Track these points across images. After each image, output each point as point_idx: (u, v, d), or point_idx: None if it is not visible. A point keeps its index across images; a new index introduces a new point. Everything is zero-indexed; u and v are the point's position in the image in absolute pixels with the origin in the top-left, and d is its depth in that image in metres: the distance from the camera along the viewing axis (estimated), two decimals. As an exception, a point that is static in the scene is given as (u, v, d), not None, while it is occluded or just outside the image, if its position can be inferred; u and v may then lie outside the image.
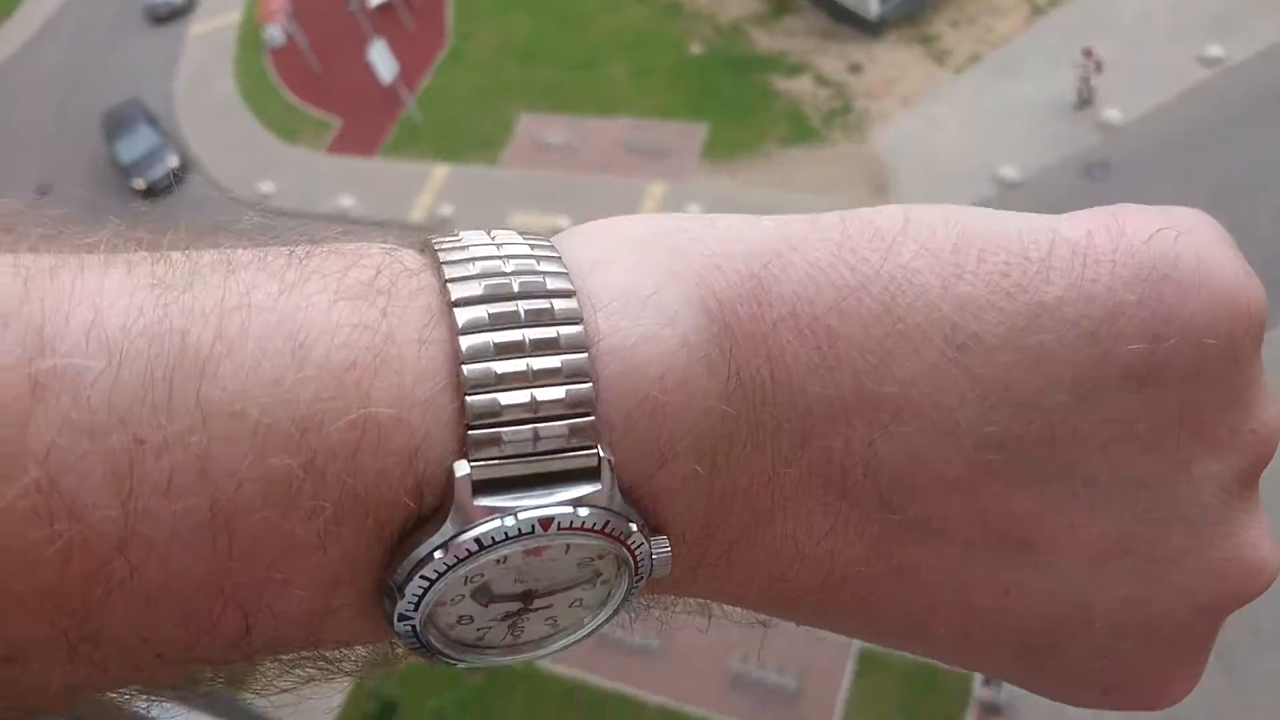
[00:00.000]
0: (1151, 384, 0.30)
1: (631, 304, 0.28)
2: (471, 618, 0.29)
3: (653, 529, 0.29)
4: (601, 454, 0.27)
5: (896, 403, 0.29)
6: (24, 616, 0.23)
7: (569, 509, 0.27)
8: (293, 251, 0.27)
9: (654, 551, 0.29)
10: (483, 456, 0.26)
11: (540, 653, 0.31)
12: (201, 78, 14.49)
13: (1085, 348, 0.29)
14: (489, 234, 0.30)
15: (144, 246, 0.27)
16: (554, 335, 0.27)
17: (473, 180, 12.04)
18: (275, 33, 14.51)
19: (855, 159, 10.74)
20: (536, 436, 0.26)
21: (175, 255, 0.26)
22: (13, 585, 0.22)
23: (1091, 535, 0.32)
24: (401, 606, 0.27)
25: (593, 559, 0.29)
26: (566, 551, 0.28)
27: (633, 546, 0.29)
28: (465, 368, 0.26)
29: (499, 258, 0.28)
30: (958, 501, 0.31)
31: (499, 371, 0.26)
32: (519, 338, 0.27)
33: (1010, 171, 9.89)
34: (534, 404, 0.26)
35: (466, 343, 0.26)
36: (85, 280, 0.24)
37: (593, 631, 0.31)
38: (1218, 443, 0.31)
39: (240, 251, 0.27)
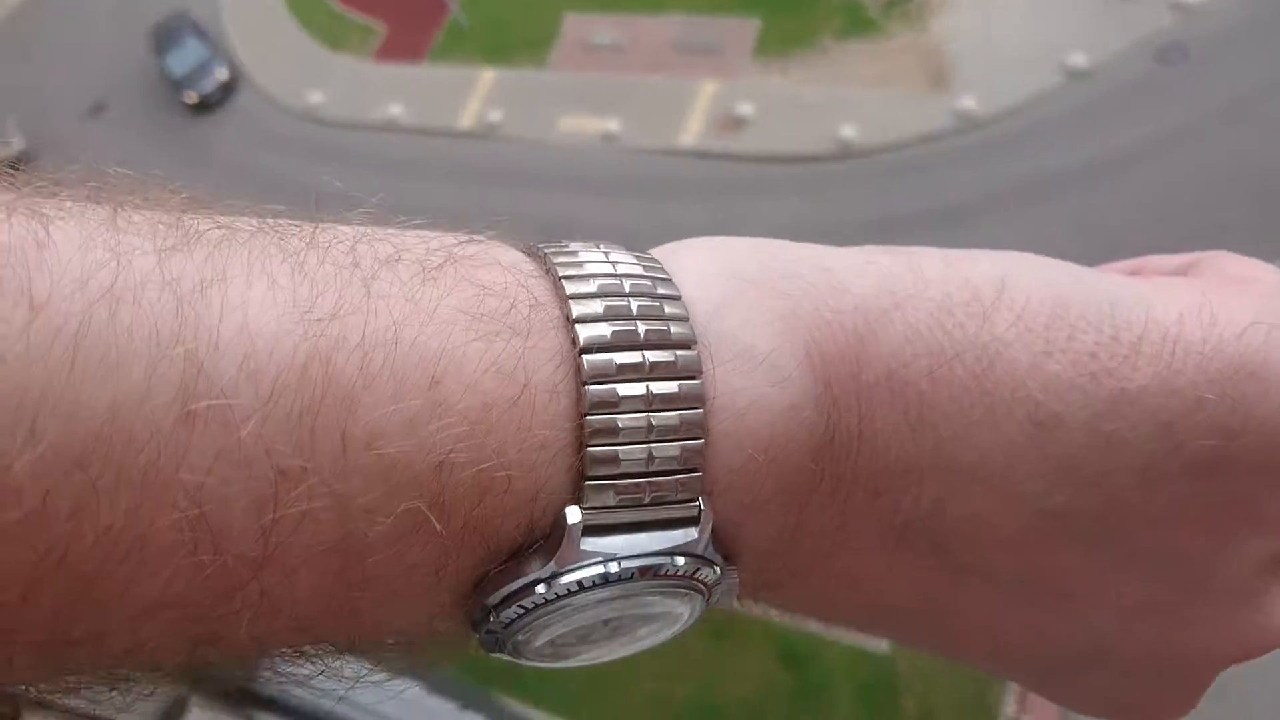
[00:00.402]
0: (1216, 475, 0.31)
1: (748, 362, 0.29)
2: (552, 637, 0.30)
3: (725, 558, 0.30)
4: (703, 507, 0.28)
5: (970, 470, 0.31)
6: (148, 620, 0.24)
7: (667, 559, 0.29)
8: (425, 266, 0.27)
9: (724, 583, 0.31)
10: (596, 505, 0.27)
11: (609, 657, 0.32)
12: (246, -14, 14.36)
13: (1159, 439, 0.30)
14: (607, 256, 0.30)
15: (272, 235, 0.27)
16: (675, 390, 0.28)
17: (521, 84, 11.85)
18: (317, -63, 14.25)
19: (914, 51, 10.31)
20: (649, 489, 0.28)
21: (311, 263, 0.26)
22: (145, 596, 0.23)
23: (1127, 594, 0.33)
24: (492, 624, 0.28)
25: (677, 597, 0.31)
26: (657, 591, 0.30)
27: (710, 584, 0.30)
28: (589, 418, 0.27)
29: (621, 295, 0.28)
30: (1007, 556, 0.32)
31: (621, 425, 0.27)
32: (642, 390, 0.27)
33: (1079, 59, 9.42)
34: (649, 458, 0.27)
35: (592, 393, 0.27)
36: (230, 297, 0.24)
37: (658, 643, 0.33)
38: (1265, 525, 0.33)
39: (374, 263, 0.27)
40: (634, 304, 0.28)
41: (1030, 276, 0.31)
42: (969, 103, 9.46)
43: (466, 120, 11.77)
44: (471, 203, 10.53)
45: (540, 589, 0.27)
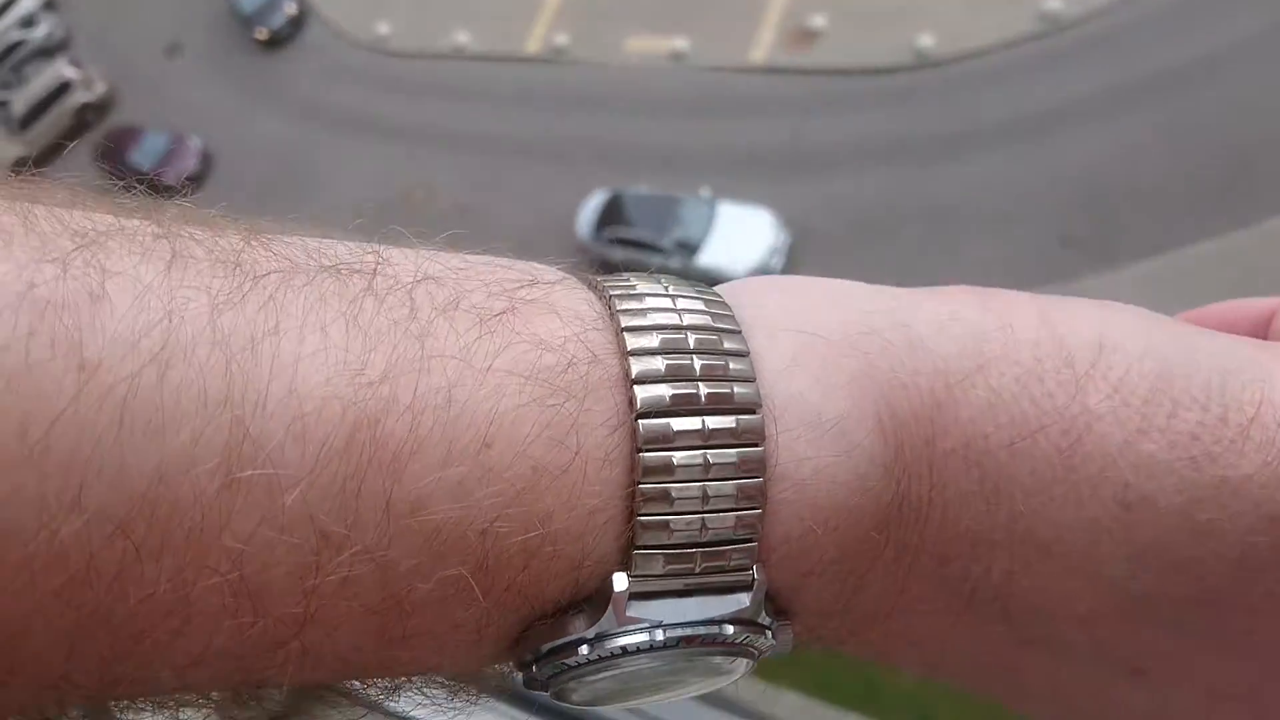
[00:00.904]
0: None
1: (815, 430, 0.27)
2: (595, 693, 0.29)
3: (778, 613, 0.29)
4: (756, 575, 0.27)
5: (1048, 545, 0.29)
6: (196, 670, 0.24)
7: (715, 629, 0.27)
8: (483, 318, 0.26)
9: (777, 639, 0.29)
10: (644, 573, 0.26)
11: (653, 702, 0.31)
12: (309, -83, 14.30)
13: (1262, 532, 0.28)
14: (674, 302, 0.28)
15: (330, 279, 0.26)
16: (734, 459, 0.26)
17: (587, 6, 11.63)
18: None
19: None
20: (698, 561, 0.27)
21: (367, 312, 0.25)
22: (190, 650, 0.24)
23: (1211, 678, 0.31)
24: (534, 675, 0.28)
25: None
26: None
27: (761, 647, 0.29)
28: (641, 485, 0.26)
29: (688, 352, 0.27)
30: (1082, 632, 0.30)
31: (675, 494, 0.26)
32: (700, 459, 0.26)
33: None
34: (703, 528, 0.26)
35: (646, 460, 0.26)
36: (281, 354, 0.23)
37: (704, 691, 0.31)
38: None
39: (430, 313, 0.26)
40: (698, 362, 0.27)
41: (1133, 342, 0.29)
42: (1054, 3, 8.98)
43: (533, 45, 11.64)
44: (540, 129, 10.47)
45: (584, 649, 0.26)
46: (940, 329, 0.29)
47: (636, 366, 0.26)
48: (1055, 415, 0.28)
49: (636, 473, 0.26)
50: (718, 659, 0.29)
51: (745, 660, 0.29)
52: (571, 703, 0.29)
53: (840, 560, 0.28)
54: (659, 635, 0.27)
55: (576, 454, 0.25)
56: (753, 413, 0.27)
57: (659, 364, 0.27)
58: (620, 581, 0.26)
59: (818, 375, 0.28)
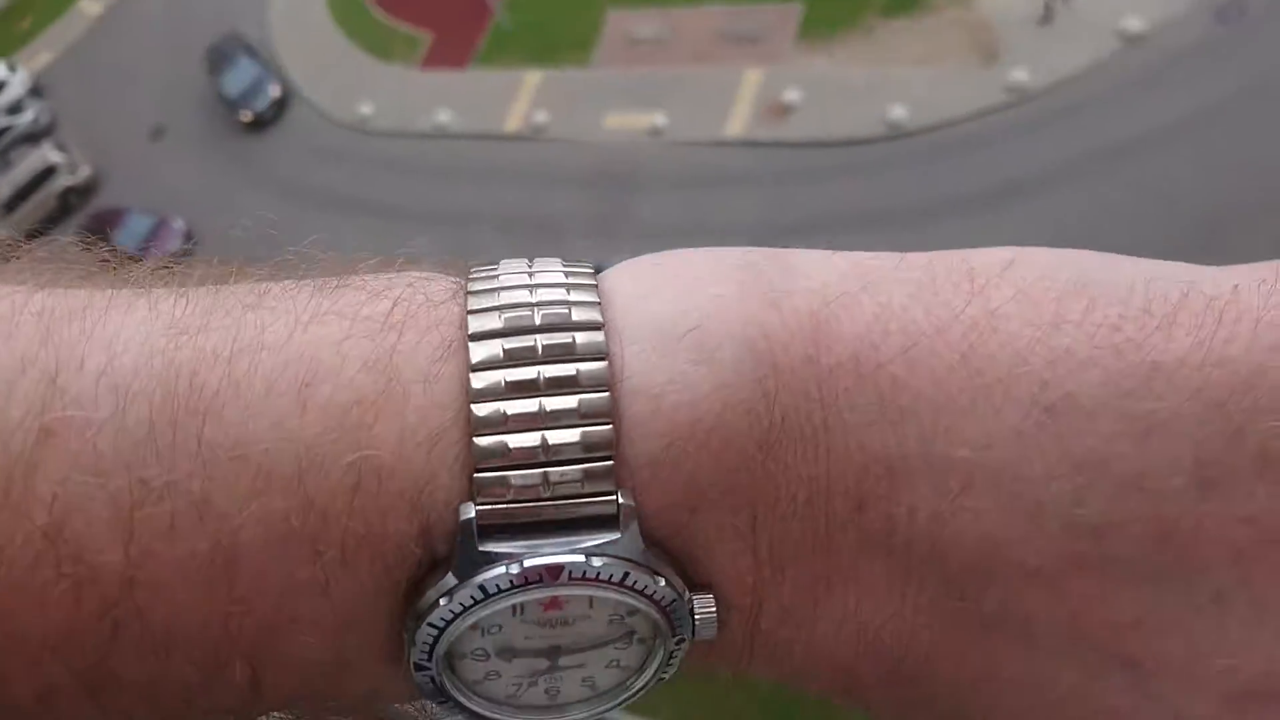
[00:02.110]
0: None
1: (667, 340, 0.26)
2: (498, 673, 0.28)
3: (694, 586, 0.27)
4: (621, 500, 0.25)
5: (968, 469, 0.25)
6: (41, 658, 0.24)
7: (580, 558, 0.26)
8: (320, 286, 0.27)
9: (697, 611, 0.27)
10: (489, 499, 0.25)
11: (584, 715, 0.29)
12: (294, 4, 14.62)
13: (1211, 422, 0.24)
14: (529, 262, 0.29)
15: (176, 280, 0.28)
16: (573, 372, 0.25)
17: (566, 84, 11.89)
18: (359, -50, 14.46)
19: (962, 26, 10.12)
20: (546, 481, 0.25)
21: (201, 291, 0.27)
22: (29, 628, 0.23)
23: (1225, 667, 0.26)
24: (415, 655, 0.26)
25: (623, 616, 0.27)
26: (591, 606, 0.27)
27: (663, 603, 0.27)
28: (474, 407, 0.25)
29: (527, 286, 0.27)
30: (1042, 598, 0.26)
31: (508, 412, 0.25)
32: (533, 375, 0.25)
33: (1134, 23, 9.16)
34: (545, 446, 0.25)
35: (477, 381, 0.25)
36: (107, 322, 0.25)
37: (637, 694, 0.29)
38: None
39: (269, 286, 0.27)
40: (536, 294, 0.27)
41: (1048, 256, 0.27)
42: (1021, 75, 9.24)
43: (513, 123, 11.84)
44: (521, 204, 10.60)
45: (443, 601, 0.25)
46: (821, 260, 0.28)
47: (472, 303, 0.26)
48: (951, 320, 0.25)
49: (468, 397, 0.25)
50: (628, 617, 0.27)
51: (653, 631, 0.27)
52: (493, 713, 0.28)
53: (728, 494, 0.26)
54: (514, 568, 0.25)
55: (396, 381, 0.25)
56: (594, 329, 0.26)
57: (494, 299, 0.27)
58: (466, 510, 0.25)
59: (673, 298, 0.27)
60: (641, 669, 0.29)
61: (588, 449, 0.25)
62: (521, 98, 12.04)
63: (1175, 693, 0.26)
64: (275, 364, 0.25)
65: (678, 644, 0.28)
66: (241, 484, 0.24)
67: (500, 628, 0.27)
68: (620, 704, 0.30)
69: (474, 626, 0.27)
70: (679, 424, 0.25)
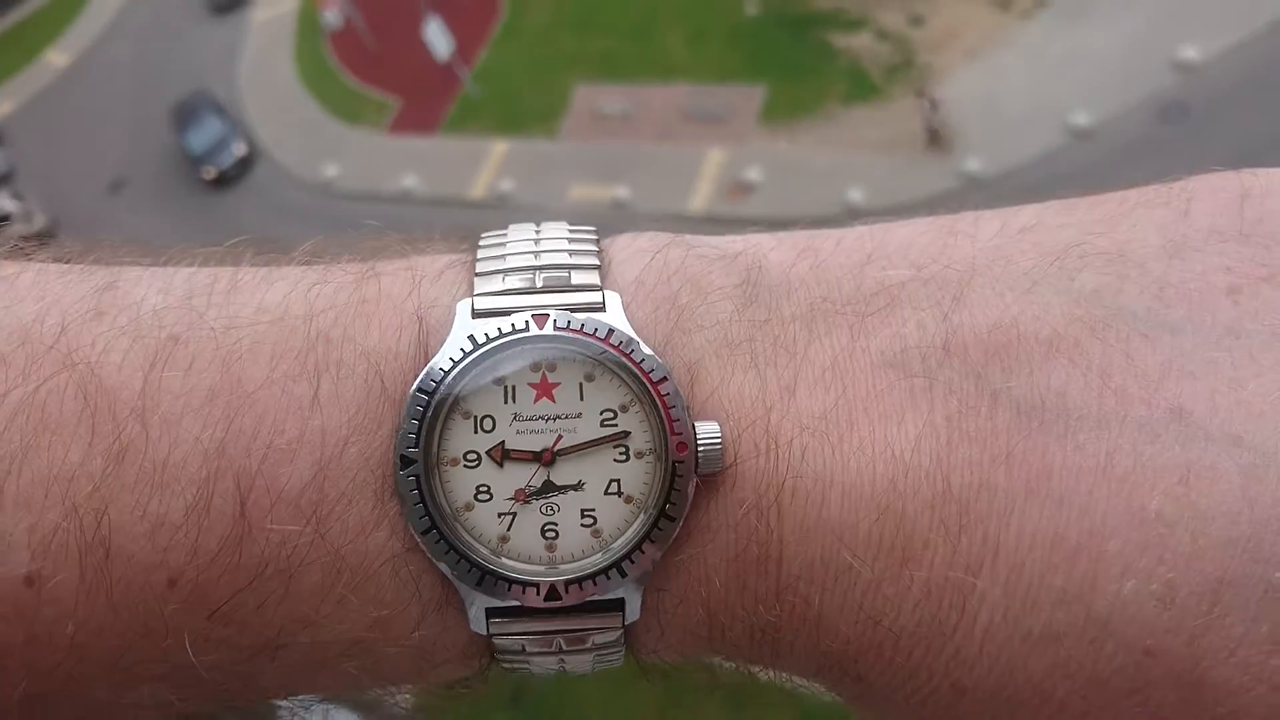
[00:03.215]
0: (1245, 240, 0.30)
1: (638, 244, 0.34)
2: (488, 490, 0.29)
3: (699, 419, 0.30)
4: (606, 291, 0.31)
5: (958, 281, 0.30)
6: (50, 489, 0.27)
7: (565, 313, 0.30)
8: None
9: (700, 436, 0.29)
10: (486, 291, 0.31)
11: (585, 566, 0.29)
12: (264, 64, 14.72)
13: (1161, 211, 0.31)
14: (537, 228, 0.36)
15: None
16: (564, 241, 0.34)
17: (532, 154, 12.05)
18: (333, 16, 14.65)
19: (919, 115, 10.46)
20: (536, 275, 0.32)
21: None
22: (51, 462, 0.27)
23: (1266, 386, 0.27)
24: (402, 447, 0.28)
25: (615, 412, 0.29)
26: (581, 397, 0.29)
27: (651, 374, 0.29)
28: (478, 264, 0.33)
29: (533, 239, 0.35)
30: (1066, 366, 0.28)
31: (507, 268, 0.33)
32: (530, 255, 0.33)
33: (1081, 118, 9.54)
34: (537, 268, 0.32)
35: (480, 254, 0.33)
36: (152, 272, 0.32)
37: (639, 544, 0.29)
38: None
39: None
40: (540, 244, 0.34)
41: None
42: (973, 164, 9.55)
43: (478, 190, 11.94)
44: (484, 270, 10.60)
45: (432, 364, 0.29)
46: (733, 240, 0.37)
47: (480, 254, 0.34)
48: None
49: (472, 270, 0.32)
50: (622, 417, 0.30)
51: (653, 418, 0.30)
52: (490, 559, 0.29)
53: (714, 316, 0.31)
54: (504, 323, 0.30)
55: (411, 270, 0.33)
56: (591, 264, 0.33)
57: (501, 249, 0.34)
58: (463, 304, 0.31)
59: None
60: (644, 502, 0.29)
61: (573, 264, 0.32)
62: (487, 166, 12.16)
63: (1233, 423, 0.27)
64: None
65: (678, 466, 0.29)
66: (263, 333, 0.29)
67: (492, 420, 0.29)
68: (622, 559, 0.29)
69: (465, 415, 0.29)
70: (670, 261, 0.33)
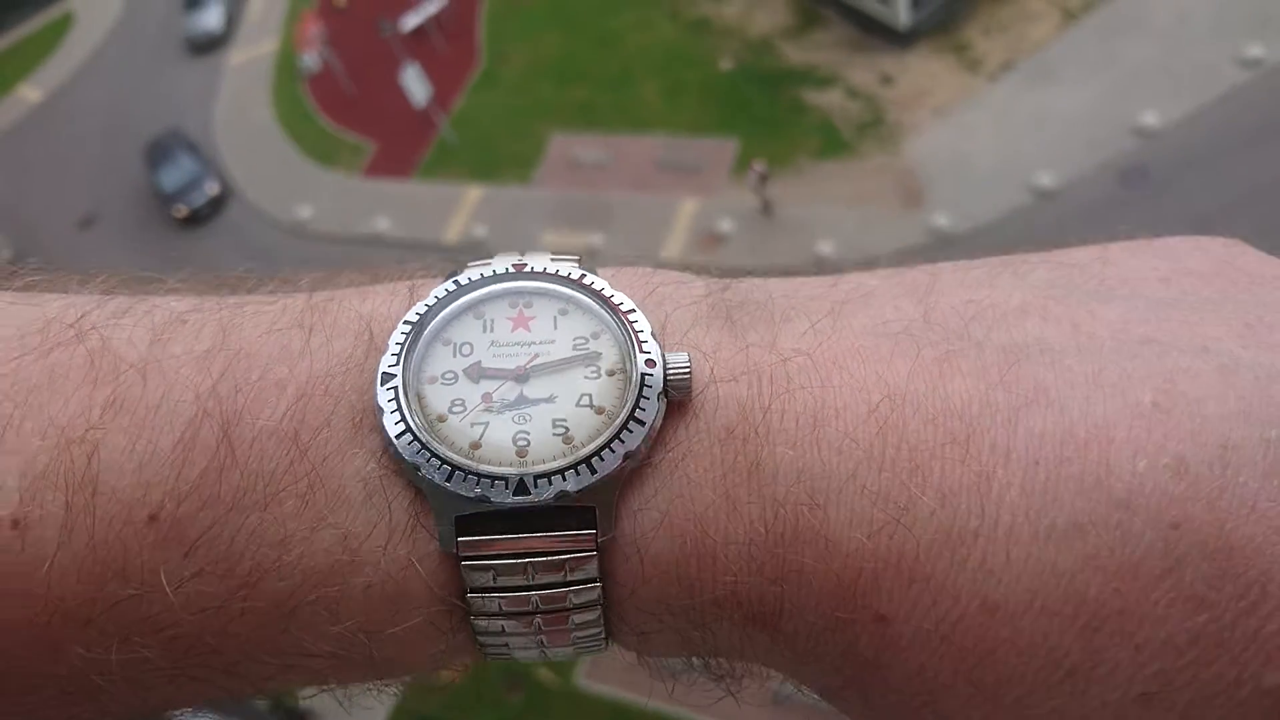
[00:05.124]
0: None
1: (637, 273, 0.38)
2: (463, 403, 0.30)
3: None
4: (585, 273, 0.33)
5: (928, 281, 0.34)
6: (45, 433, 0.29)
7: (543, 261, 0.33)
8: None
9: (671, 364, 0.30)
10: (474, 265, 0.33)
11: (555, 466, 0.30)
12: (240, 106, 14.75)
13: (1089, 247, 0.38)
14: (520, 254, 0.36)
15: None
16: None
17: (506, 200, 12.11)
18: (311, 60, 14.74)
19: (888, 171, 10.66)
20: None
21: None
22: (52, 415, 0.29)
23: (1216, 326, 0.31)
24: (385, 363, 0.30)
25: (587, 339, 0.31)
26: (555, 326, 0.31)
27: (622, 308, 0.31)
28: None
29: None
30: (1039, 323, 0.31)
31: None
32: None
33: (1045, 179, 9.77)
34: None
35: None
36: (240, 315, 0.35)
37: (608, 444, 0.30)
38: None
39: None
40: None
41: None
42: (941, 220, 9.73)
43: (451, 234, 11.96)
44: (455, 314, 10.57)
45: (414, 304, 0.32)
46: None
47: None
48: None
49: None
50: (593, 342, 0.32)
51: (624, 343, 0.31)
52: (463, 463, 0.30)
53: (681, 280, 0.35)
54: (487, 269, 0.33)
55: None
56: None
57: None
58: (459, 271, 0.35)
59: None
60: (616, 413, 0.30)
61: (556, 260, 0.34)
62: (462, 211, 12.21)
63: (1195, 342, 0.31)
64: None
65: (646, 381, 0.30)
66: (260, 303, 0.33)
67: (471, 346, 0.31)
68: (591, 455, 0.29)
69: (445, 342, 0.31)
70: (647, 270, 0.37)
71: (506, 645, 0.32)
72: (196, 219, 13.05)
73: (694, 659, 0.33)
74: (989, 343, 0.31)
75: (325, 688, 0.32)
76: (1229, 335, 0.31)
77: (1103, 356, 0.30)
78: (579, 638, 0.32)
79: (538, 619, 0.31)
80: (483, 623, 0.31)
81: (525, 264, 0.33)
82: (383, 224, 12.25)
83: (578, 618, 0.31)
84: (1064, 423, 0.29)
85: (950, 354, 0.30)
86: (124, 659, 0.29)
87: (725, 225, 10.78)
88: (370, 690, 0.33)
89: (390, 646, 0.30)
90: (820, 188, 10.84)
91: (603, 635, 0.32)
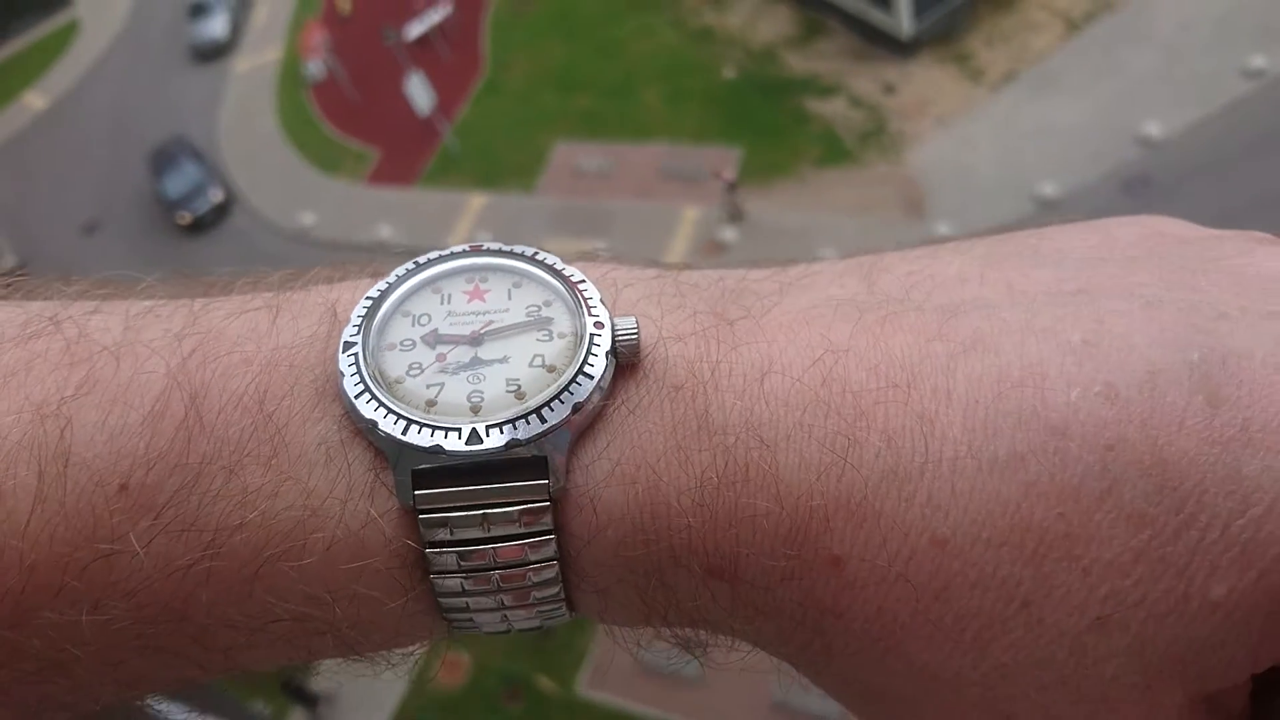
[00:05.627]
0: None
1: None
2: (420, 365, 0.32)
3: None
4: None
5: (871, 262, 0.36)
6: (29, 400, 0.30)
7: (497, 243, 0.35)
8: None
9: (619, 326, 0.32)
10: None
11: (506, 415, 0.32)
12: (244, 113, 14.81)
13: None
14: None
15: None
16: None
17: (509, 208, 12.15)
18: (315, 68, 14.81)
19: (890, 180, 10.69)
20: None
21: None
22: (27, 395, 0.30)
23: (1145, 275, 0.33)
24: (347, 333, 0.32)
25: (539, 307, 0.33)
26: (509, 296, 0.33)
27: (573, 280, 0.34)
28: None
29: None
30: (976, 286, 0.34)
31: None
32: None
33: (1048, 189, 9.79)
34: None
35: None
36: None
37: (557, 395, 0.31)
38: None
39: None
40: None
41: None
42: (943, 229, 9.73)
43: (454, 242, 11.89)
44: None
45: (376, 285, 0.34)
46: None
47: None
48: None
49: None
50: (545, 310, 0.34)
51: (570, 306, 0.34)
52: (416, 414, 0.32)
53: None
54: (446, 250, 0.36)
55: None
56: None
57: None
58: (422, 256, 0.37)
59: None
60: (565, 370, 0.32)
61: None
62: (464, 218, 12.24)
63: (1123, 289, 0.33)
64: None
65: (596, 339, 0.32)
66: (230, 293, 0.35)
67: (429, 317, 0.34)
68: (541, 406, 0.31)
69: (404, 314, 0.33)
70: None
71: (468, 608, 0.32)
72: (200, 226, 13.11)
73: (661, 628, 0.34)
74: (928, 304, 0.33)
75: (295, 662, 0.33)
76: (1154, 280, 0.33)
77: (1036, 306, 0.32)
78: (539, 598, 0.32)
79: (495, 575, 0.31)
80: (442, 581, 0.31)
81: (481, 245, 0.36)
82: (386, 232, 12.29)
83: (535, 576, 0.32)
84: (1000, 364, 0.31)
85: (891, 314, 0.33)
86: (95, 622, 0.30)
87: (727, 233, 10.80)
88: (343, 664, 0.34)
89: (352, 606, 0.31)
90: (822, 196, 10.87)
91: (563, 596, 0.33)
